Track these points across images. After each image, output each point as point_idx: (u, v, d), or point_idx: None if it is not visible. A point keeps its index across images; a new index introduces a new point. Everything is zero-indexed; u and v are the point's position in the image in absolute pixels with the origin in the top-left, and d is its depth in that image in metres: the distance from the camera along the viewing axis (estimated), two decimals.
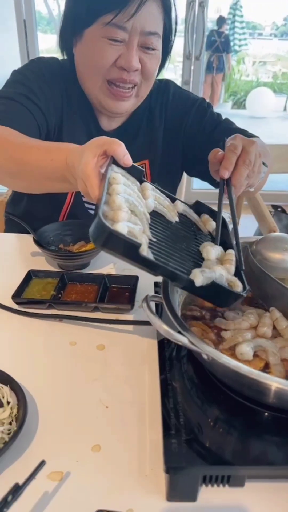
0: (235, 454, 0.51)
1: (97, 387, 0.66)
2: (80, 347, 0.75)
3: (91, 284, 0.89)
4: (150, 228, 0.61)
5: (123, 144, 0.65)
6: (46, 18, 7.69)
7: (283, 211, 1.74)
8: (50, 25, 7.97)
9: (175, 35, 1.01)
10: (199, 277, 0.54)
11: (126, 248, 0.50)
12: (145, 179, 0.72)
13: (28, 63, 1.04)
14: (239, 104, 7.37)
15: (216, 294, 0.57)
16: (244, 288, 0.59)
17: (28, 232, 0.99)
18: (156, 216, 0.67)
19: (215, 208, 0.76)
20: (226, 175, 0.73)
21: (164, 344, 0.67)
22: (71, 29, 0.96)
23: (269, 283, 0.65)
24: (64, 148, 0.74)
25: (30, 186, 0.86)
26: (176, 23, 1.00)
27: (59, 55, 1.07)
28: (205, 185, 1.20)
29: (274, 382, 0.46)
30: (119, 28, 0.89)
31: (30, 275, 0.90)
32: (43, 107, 0.98)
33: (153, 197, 0.69)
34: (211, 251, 0.63)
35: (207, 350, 0.50)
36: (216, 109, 1.15)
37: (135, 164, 0.68)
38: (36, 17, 3.39)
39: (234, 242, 0.68)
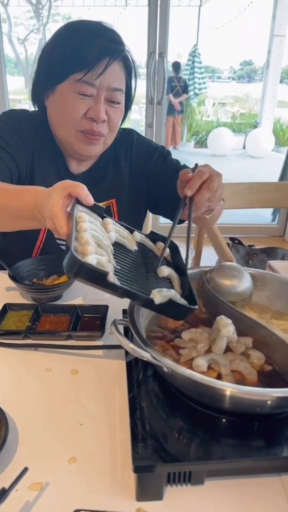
0: (194, 453, 0.59)
1: (72, 407, 0.73)
2: (55, 373, 0.81)
3: (64, 314, 0.96)
4: (114, 258, 0.71)
5: (85, 187, 0.74)
6: (13, 61, 7.97)
7: (240, 243, 1.88)
8: (17, 68, 8.25)
9: (134, 92, 1.15)
10: (158, 296, 0.64)
11: (96, 277, 0.59)
12: (106, 216, 0.82)
13: (0, 114, 1.15)
14: (201, 143, 7.76)
15: (172, 309, 0.66)
16: (195, 303, 0.68)
17: (2, 268, 1.06)
18: (118, 247, 0.77)
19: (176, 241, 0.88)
20: (188, 193, 0.85)
21: (132, 366, 0.74)
22: (44, 84, 1.08)
23: (221, 306, 0.75)
24: (33, 190, 0.83)
25: (1, 224, 0.95)
26: (135, 80, 1.14)
27: (25, 96, 1.20)
28: (169, 221, 1.33)
29: (221, 386, 0.55)
30: (89, 85, 1.01)
31: (6, 309, 0.97)
32: (14, 154, 1.08)
33: (114, 230, 0.78)
34: (165, 270, 0.75)
35: (167, 363, 0.58)
36: (179, 148, 1.30)
37: (97, 203, 0.78)
38: (4, 60, 3.56)
39: (184, 257, 0.80)
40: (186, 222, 0.86)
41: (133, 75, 1.11)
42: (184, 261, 0.79)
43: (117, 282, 0.61)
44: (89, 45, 1.00)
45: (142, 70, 3.25)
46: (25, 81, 8.00)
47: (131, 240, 0.82)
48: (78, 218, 0.70)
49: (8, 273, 1.03)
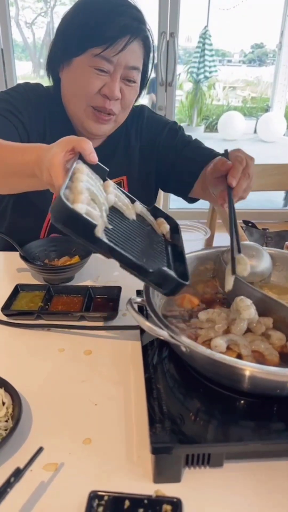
0: (213, 434, 0.57)
1: (86, 388, 0.71)
2: (68, 353, 0.80)
3: (76, 295, 0.94)
4: (108, 219, 0.66)
5: (90, 142, 0.70)
6: (21, 46, 7.87)
7: (254, 226, 1.84)
8: (25, 53, 8.15)
9: (151, 72, 1.12)
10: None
11: (82, 228, 0.54)
12: (108, 179, 0.77)
13: (14, 86, 1.13)
14: (211, 127, 7.64)
15: (162, 280, 0.59)
16: (187, 279, 0.63)
17: (13, 248, 1.05)
18: (115, 212, 0.72)
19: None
20: (234, 183, 0.82)
21: (147, 347, 0.73)
22: (61, 56, 1.05)
23: (239, 286, 0.72)
24: (35, 146, 0.80)
25: (2, 182, 0.90)
26: (153, 61, 1.11)
27: (33, 81, 1.17)
28: (182, 205, 1.30)
29: (243, 366, 0.53)
30: (106, 61, 0.98)
31: (18, 289, 0.95)
32: (26, 123, 1.06)
33: (114, 194, 0.74)
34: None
35: (186, 342, 0.56)
36: (189, 132, 1.25)
37: (100, 164, 0.74)
38: (13, 44, 3.51)
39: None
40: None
41: (151, 55, 1.08)
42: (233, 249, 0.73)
43: (105, 239, 0.56)
44: (111, 21, 0.97)
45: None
46: (33, 66, 7.91)
47: (131, 209, 0.77)
48: (75, 169, 0.66)
49: (20, 254, 1.01)
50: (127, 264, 0.58)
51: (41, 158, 0.73)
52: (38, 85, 1.15)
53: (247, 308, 0.64)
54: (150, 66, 1.10)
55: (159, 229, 0.81)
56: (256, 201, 3.88)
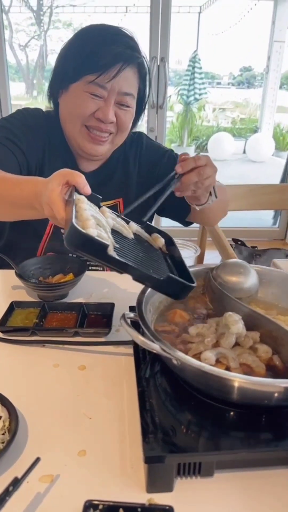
0: (204, 444, 0.59)
1: (80, 402, 0.73)
2: (63, 368, 0.82)
3: (70, 312, 0.97)
4: (113, 238, 0.72)
5: (82, 176, 0.75)
6: (14, 67, 8.02)
7: (243, 244, 1.89)
8: (18, 74, 8.30)
9: (148, 97, 1.17)
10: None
11: (96, 249, 0.61)
12: (102, 205, 0.83)
13: (14, 112, 1.19)
14: (202, 148, 7.78)
15: (171, 286, 0.67)
16: (193, 281, 0.69)
17: (9, 266, 1.07)
18: (115, 233, 0.78)
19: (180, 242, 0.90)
20: (179, 170, 0.90)
21: (140, 361, 0.75)
22: (59, 82, 1.10)
23: (228, 302, 0.76)
24: (33, 180, 0.84)
25: (2, 213, 0.95)
26: (150, 87, 1.17)
27: (26, 102, 1.23)
28: (173, 224, 1.34)
29: (231, 377, 0.56)
30: (100, 87, 1.04)
31: (13, 306, 0.97)
32: (24, 149, 1.10)
33: (111, 217, 0.80)
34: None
35: (177, 355, 0.59)
36: (180, 153, 1.30)
37: (94, 193, 0.79)
38: (7, 66, 3.60)
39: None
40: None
41: (147, 82, 1.13)
42: None
43: (117, 256, 0.62)
44: (105, 49, 1.03)
45: None
46: (26, 87, 8.04)
47: (128, 228, 0.83)
48: (77, 201, 0.71)
49: (15, 272, 1.03)
50: (139, 276, 0.65)
51: (39, 193, 0.78)
52: (37, 110, 1.20)
53: (235, 323, 0.67)
54: (147, 91, 1.15)
55: (155, 244, 0.86)
56: (246, 219, 3.95)
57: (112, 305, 0.97)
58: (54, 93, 1.14)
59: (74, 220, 0.61)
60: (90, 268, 1.26)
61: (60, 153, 1.18)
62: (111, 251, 0.61)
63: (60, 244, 1.21)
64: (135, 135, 1.27)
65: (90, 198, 0.78)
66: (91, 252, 0.62)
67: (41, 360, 0.84)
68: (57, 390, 0.76)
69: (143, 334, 0.66)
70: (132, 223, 0.87)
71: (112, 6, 6.59)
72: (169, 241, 0.87)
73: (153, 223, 1.78)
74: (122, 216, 0.87)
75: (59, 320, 0.95)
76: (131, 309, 0.92)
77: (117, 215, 0.85)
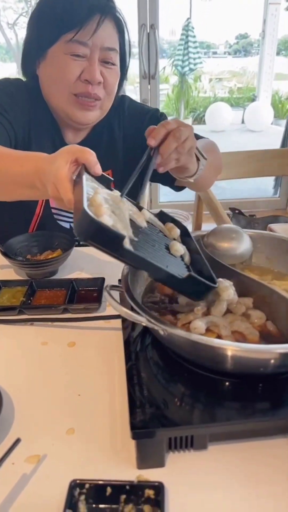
0: (196, 417, 0.56)
1: (69, 379, 0.70)
2: (52, 346, 0.79)
3: (59, 289, 0.93)
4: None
5: (94, 153, 0.68)
6: (4, 47, 7.82)
7: (240, 213, 1.84)
8: (8, 54, 8.10)
9: (130, 54, 1.10)
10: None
11: (111, 240, 0.52)
12: (113, 189, 0.75)
13: None
14: (199, 119, 7.62)
15: (191, 286, 0.60)
16: (215, 281, 0.63)
17: None
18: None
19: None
20: (152, 143, 0.77)
21: (130, 336, 0.71)
22: (35, 50, 1.03)
23: (219, 268, 0.72)
24: (34, 156, 0.78)
25: (0, 192, 0.88)
26: (130, 43, 1.09)
27: (17, 77, 1.15)
28: (171, 199, 1.29)
29: (218, 344, 0.52)
30: (81, 44, 0.96)
31: (0, 286, 0.94)
32: (12, 121, 1.04)
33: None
34: (180, 248, 0.69)
35: (162, 326, 0.55)
36: None
37: (104, 174, 0.72)
38: None
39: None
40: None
41: (126, 37, 1.06)
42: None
43: (133, 250, 0.54)
44: (78, 3, 0.95)
45: (135, 50, 3.15)
46: (17, 67, 7.84)
47: (141, 216, 0.74)
48: (90, 183, 0.64)
49: (0, 250, 0.99)
50: (156, 274, 0.58)
51: (42, 171, 0.71)
52: (18, 80, 1.12)
53: (226, 289, 0.63)
54: (127, 48, 1.08)
55: (170, 234, 0.77)
56: (245, 190, 3.88)
57: (102, 280, 0.94)
58: (31, 64, 1.06)
59: (85, 206, 0.54)
60: (81, 245, 1.22)
61: (44, 125, 1.12)
62: (127, 244, 0.53)
63: (51, 225, 1.17)
64: (118, 99, 1.21)
65: (99, 179, 0.71)
66: (103, 244, 0.53)
67: (29, 338, 0.81)
68: (45, 368, 0.73)
69: (130, 306, 0.62)
70: (145, 210, 0.77)
71: None
72: (185, 232, 0.77)
73: (151, 198, 1.74)
74: (134, 202, 0.78)
75: (48, 297, 0.91)
76: (120, 282, 0.89)
77: (128, 200, 0.75)
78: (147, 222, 0.75)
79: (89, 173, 0.69)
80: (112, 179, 0.74)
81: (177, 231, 0.76)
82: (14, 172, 0.78)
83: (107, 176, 0.73)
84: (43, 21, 1.00)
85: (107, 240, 0.53)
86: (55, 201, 0.70)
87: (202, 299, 0.65)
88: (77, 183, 0.64)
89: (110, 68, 1.02)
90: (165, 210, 0.84)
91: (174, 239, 0.75)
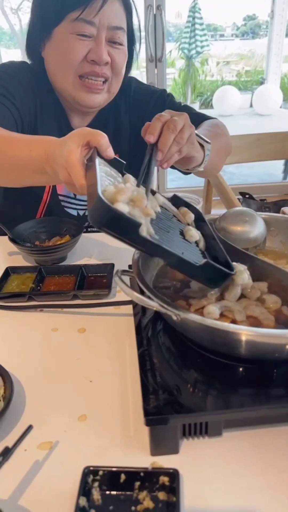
0: (210, 403, 0.55)
1: (80, 365, 0.70)
2: (62, 332, 0.78)
3: (68, 275, 0.92)
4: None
5: (106, 136, 0.66)
6: (8, 33, 7.73)
7: (251, 197, 1.81)
8: (12, 40, 8.01)
9: (139, 35, 1.07)
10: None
11: (127, 228, 0.51)
12: (126, 172, 0.73)
13: (0, 65, 1.08)
14: (207, 103, 7.51)
15: (208, 273, 0.58)
16: (232, 269, 0.61)
17: (3, 233, 1.02)
18: None
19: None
20: (151, 139, 0.74)
21: (141, 321, 0.70)
22: (40, 31, 1.00)
23: (233, 252, 0.70)
24: (43, 140, 0.76)
25: (9, 178, 0.87)
26: (139, 23, 1.06)
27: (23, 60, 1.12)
28: (179, 185, 1.26)
29: (234, 329, 0.51)
30: (87, 23, 0.94)
31: (8, 272, 0.93)
32: (18, 105, 1.02)
33: (134, 182, 0.68)
34: (195, 234, 0.67)
35: (175, 311, 0.54)
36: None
37: (117, 157, 0.70)
38: None
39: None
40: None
41: (134, 14, 1.02)
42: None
43: (149, 238, 0.53)
44: None
45: (141, 32, 3.09)
46: (22, 53, 7.77)
47: (154, 201, 0.72)
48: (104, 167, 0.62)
49: (8, 236, 0.98)
50: (173, 261, 0.56)
51: (52, 155, 0.69)
52: (23, 63, 1.10)
53: (240, 274, 0.62)
54: (135, 28, 1.05)
55: (184, 219, 0.74)
56: (255, 175, 3.83)
57: (112, 266, 0.92)
58: (35, 46, 1.04)
59: (100, 192, 0.52)
60: (89, 231, 1.21)
61: (50, 109, 1.09)
62: (144, 232, 0.51)
63: (59, 211, 1.15)
64: (125, 81, 1.18)
65: (112, 163, 0.69)
66: (119, 232, 0.51)
67: (39, 325, 0.80)
68: (56, 355, 0.72)
69: (141, 291, 0.61)
70: (158, 195, 0.75)
71: None
72: (199, 217, 0.74)
73: (159, 184, 1.71)
74: (148, 187, 0.72)
75: (57, 284, 0.90)
76: (131, 267, 0.87)
77: (142, 184, 0.70)
78: (161, 206, 0.72)
79: (101, 156, 0.66)
80: (125, 162, 0.71)
81: (191, 216, 0.74)
82: (23, 157, 0.76)
83: (120, 159, 0.71)
84: (47, 0, 0.97)
85: (122, 228, 0.51)
86: (68, 187, 0.68)
87: (219, 286, 0.62)
88: (89, 167, 0.62)
89: (118, 48, 0.99)
90: (176, 193, 0.82)
91: (188, 224, 0.73)
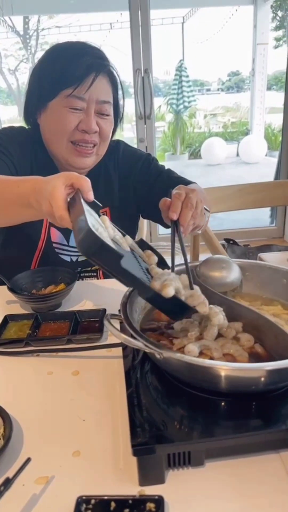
0: (193, 433, 0.60)
1: (74, 405, 0.75)
2: (57, 375, 0.83)
3: (63, 321, 0.99)
4: None
5: (89, 180, 0.76)
6: (6, 91, 8.17)
7: (235, 243, 1.90)
8: (10, 98, 8.45)
9: (123, 105, 1.22)
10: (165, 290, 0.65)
11: (111, 258, 0.60)
12: (102, 214, 0.81)
13: (1, 129, 1.22)
14: (195, 154, 7.86)
15: (173, 306, 0.66)
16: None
17: (1, 283, 1.10)
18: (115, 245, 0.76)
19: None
20: (174, 217, 0.87)
21: (130, 362, 0.76)
22: (36, 103, 1.14)
23: (211, 296, 0.77)
24: (32, 177, 0.85)
25: None
26: (123, 94, 1.20)
27: (20, 125, 1.25)
28: (168, 231, 1.35)
29: (209, 364, 0.57)
30: (78, 99, 1.07)
31: (7, 320, 0.99)
32: (16, 164, 1.14)
33: (111, 228, 0.78)
34: (159, 271, 0.75)
35: (158, 350, 0.61)
36: (174, 161, 1.33)
37: (95, 200, 0.78)
38: None
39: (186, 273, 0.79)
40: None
41: (119, 88, 1.17)
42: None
43: (129, 270, 0.61)
44: (76, 62, 1.07)
45: (130, 90, 3.34)
46: (18, 110, 8.19)
47: (125, 242, 0.81)
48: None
49: (7, 286, 1.06)
50: (145, 292, 0.65)
51: (38, 190, 0.78)
52: (22, 128, 1.24)
53: (216, 315, 0.69)
54: (120, 99, 1.19)
55: (148, 261, 0.83)
56: (243, 220, 3.97)
57: (104, 311, 0.99)
58: (32, 114, 1.17)
59: (90, 224, 0.61)
60: (82, 276, 1.28)
61: (45, 169, 1.20)
62: (125, 263, 0.60)
63: (53, 259, 1.24)
64: (113, 143, 1.31)
65: (90, 205, 0.78)
66: (104, 261, 0.61)
67: (35, 369, 0.85)
68: (51, 396, 0.78)
69: (126, 332, 0.67)
70: (128, 237, 0.84)
71: (96, 24, 6.73)
72: (161, 260, 0.85)
73: (149, 231, 1.81)
74: (119, 228, 0.85)
75: (52, 329, 0.97)
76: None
77: (115, 226, 0.82)
78: (130, 247, 0.82)
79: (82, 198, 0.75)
80: (101, 205, 0.80)
81: (155, 258, 0.84)
82: (11, 193, 0.86)
83: (97, 202, 0.80)
84: (44, 78, 1.11)
85: (108, 257, 0.60)
86: (49, 218, 0.77)
87: (181, 319, 0.71)
88: (74, 202, 0.70)
89: (105, 119, 1.13)
90: (164, 243, 0.91)
91: (152, 265, 0.82)
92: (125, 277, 0.62)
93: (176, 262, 0.80)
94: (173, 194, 0.91)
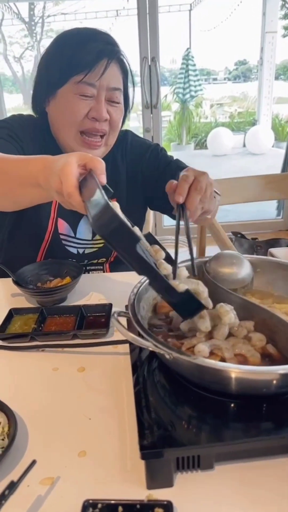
0: (203, 437, 0.59)
1: (80, 403, 0.73)
2: (62, 372, 0.82)
3: (69, 315, 0.97)
4: None
5: (103, 163, 0.73)
6: (11, 79, 8.11)
7: (243, 236, 1.88)
8: (15, 86, 8.39)
9: (133, 92, 1.18)
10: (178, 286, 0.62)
11: (127, 239, 0.55)
12: (112, 201, 0.79)
13: (10, 116, 1.20)
14: (201, 144, 7.78)
15: (185, 302, 0.63)
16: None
17: (6, 275, 1.08)
18: None
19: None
20: (180, 199, 0.82)
21: (137, 360, 0.74)
22: (45, 91, 1.11)
23: (221, 294, 0.75)
24: (42, 156, 0.82)
25: (2, 193, 0.91)
26: (133, 82, 1.17)
27: (25, 113, 1.22)
28: (173, 222, 1.32)
29: (222, 367, 0.55)
30: (89, 85, 1.04)
31: (12, 313, 0.98)
32: (25, 150, 1.11)
33: (121, 215, 0.76)
34: (168, 266, 0.72)
35: (168, 350, 0.59)
36: (180, 151, 1.30)
37: (107, 185, 0.75)
38: (1, 79, 3.64)
39: (190, 262, 0.77)
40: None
41: (129, 76, 1.14)
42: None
43: (143, 255, 0.57)
44: (87, 48, 1.03)
45: (137, 78, 3.29)
46: (24, 98, 8.13)
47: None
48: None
49: (12, 279, 1.04)
50: (158, 283, 0.60)
51: (49, 165, 0.75)
52: (31, 116, 1.21)
53: (226, 313, 0.67)
54: (130, 86, 1.16)
55: (155, 256, 0.79)
56: (249, 212, 3.93)
57: (110, 305, 0.97)
58: (40, 102, 1.14)
59: (108, 200, 0.56)
60: (88, 269, 1.26)
61: None
62: (139, 249, 0.55)
63: (59, 251, 1.22)
64: (121, 134, 1.28)
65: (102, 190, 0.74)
66: (120, 241, 0.56)
67: (40, 364, 0.84)
68: (56, 393, 0.76)
69: (137, 332, 0.65)
70: (137, 228, 0.79)
71: (102, 11, 6.63)
72: (168, 257, 0.79)
73: (151, 221, 1.79)
74: (128, 218, 0.83)
75: (58, 324, 0.95)
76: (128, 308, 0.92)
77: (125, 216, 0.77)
78: None
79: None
80: (112, 191, 0.77)
81: (162, 254, 0.79)
82: (20, 172, 0.83)
83: (109, 187, 0.76)
84: (53, 64, 1.08)
85: (125, 238, 0.56)
86: (56, 196, 0.73)
87: (192, 317, 0.67)
88: (86, 182, 0.66)
89: (115, 106, 1.10)
90: (170, 236, 0.88)
91: (159, 260, 0.78)
92: (140, 263, 0.58)
93: (180, 255, 0.77)
94: (180, 176, 0.87)
